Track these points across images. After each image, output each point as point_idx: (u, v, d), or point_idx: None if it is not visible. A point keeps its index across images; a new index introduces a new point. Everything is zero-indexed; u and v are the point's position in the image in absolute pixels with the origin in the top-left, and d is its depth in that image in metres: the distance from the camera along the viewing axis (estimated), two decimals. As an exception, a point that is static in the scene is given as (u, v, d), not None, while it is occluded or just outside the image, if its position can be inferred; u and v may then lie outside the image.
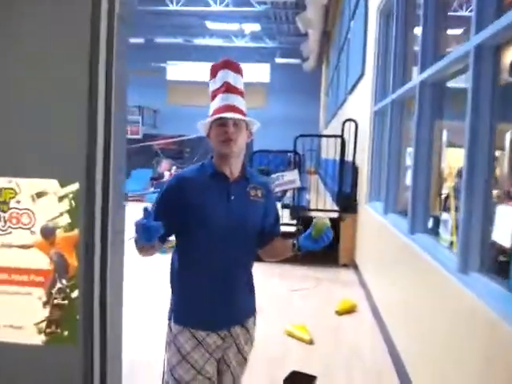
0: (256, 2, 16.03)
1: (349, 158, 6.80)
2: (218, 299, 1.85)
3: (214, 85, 1.90)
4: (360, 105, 6.82)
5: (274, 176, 6.48)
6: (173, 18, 18.86)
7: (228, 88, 1.85)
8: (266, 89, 24.03)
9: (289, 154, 9.61)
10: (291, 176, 6.51)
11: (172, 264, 1.95)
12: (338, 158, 7.01)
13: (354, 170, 6.63)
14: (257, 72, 24.16)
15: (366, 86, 6.20)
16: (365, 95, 6.33)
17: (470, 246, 2.38)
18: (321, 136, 15.03)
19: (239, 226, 1.85)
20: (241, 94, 1.90)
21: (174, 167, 17.45)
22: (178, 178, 1.92)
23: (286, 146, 8.53)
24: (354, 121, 6.70)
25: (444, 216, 3.31)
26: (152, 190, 14.50)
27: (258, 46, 21.79)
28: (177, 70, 24.79)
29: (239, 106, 1.85)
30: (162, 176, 15.89)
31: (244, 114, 1.85)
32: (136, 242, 1.74)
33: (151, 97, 24.14)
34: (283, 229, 2.19)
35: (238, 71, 1.92)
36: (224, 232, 1.83)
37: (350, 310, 4.91)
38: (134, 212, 2.17)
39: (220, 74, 1.89)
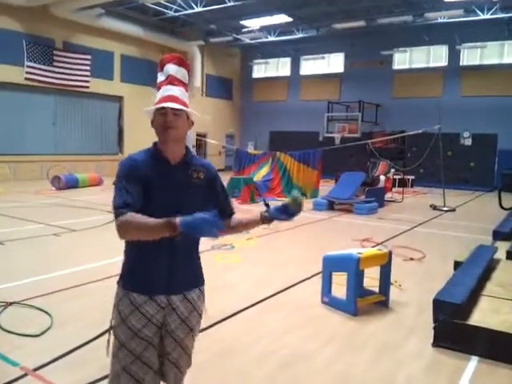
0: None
1: None
2: (157, 267, 1.99)
3: (160, 78, 2.11)
4: None
5: None
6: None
7: (171, 80, 2.07)
8: (520, 71, 18.77)
9: None
10: None
11: None
12: None
13: None
14: (507, 51, 19.14)
15: None
16: None
17: None
18: None
19: (180, 205, 1.93)
20: (183, 85, 2.10)
21: (393, 170, 14.40)
22: (132, 159, 2.02)
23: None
24: None
25: None
26: (363, 197, 11.80)
27: (510, 16, 16.91)
28: (404, 57, 21.43)
29: (180, 97, 2.04)
30: (376, 181, 13.05)
31: (185, 104, 2.04)
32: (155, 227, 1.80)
33: (373, 90, 21.49)
34: None
35: (182, 64, 2.11)
36: (166, 210, 1.87)
37: None
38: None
39: (165, 67, 2.10)
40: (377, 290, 4.73)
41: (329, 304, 4.52)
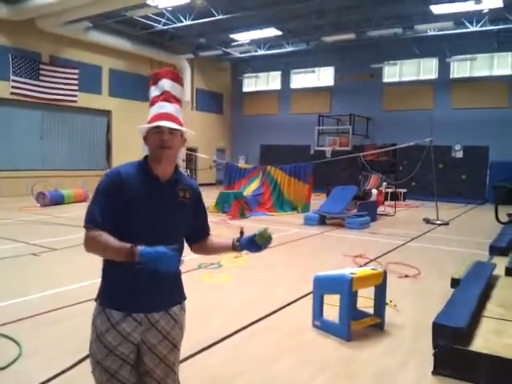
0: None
1: None
2: (137, 285, 1.91)
3: (155, 92, 2.05)
4: None
5: None
6: (388, 6, 15.76)
7: (166, 97, 2.02)
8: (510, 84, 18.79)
9: None
10: None
11: None
12: None
13: None
14: (496, 63, 19.19)
15: None
16: None
17: None
18: None
19: (166, 223, 1.96)
20: (178, 102, 2.06)
21: (385, 183, 14.23)
22: (117, 174, 1.94)
23: None
24: None
25: None
26: (355, 211, 11.58)
27: (499, 28, 16.94)
28: (394, 70, 21.43)
29: (175, 115, 2.00)
30: (368, 195, 12.85)
31: (180, 123, 2.00)
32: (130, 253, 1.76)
33: (364, 103, 21.43)
34: None
35: (177, 80, 2.08)
36: (152, 228, 1.92)
37: None
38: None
39: (160, 82, 2.05)
40: (371, 310, 4.46)
41: (320, 328, 4.24)
